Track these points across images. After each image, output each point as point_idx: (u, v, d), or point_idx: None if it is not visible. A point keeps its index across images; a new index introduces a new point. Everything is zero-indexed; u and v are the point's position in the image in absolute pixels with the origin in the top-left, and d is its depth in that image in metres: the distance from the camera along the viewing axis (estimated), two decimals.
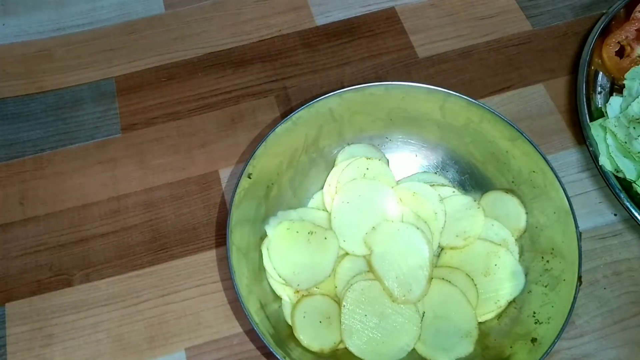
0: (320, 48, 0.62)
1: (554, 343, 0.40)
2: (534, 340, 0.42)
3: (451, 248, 0.48)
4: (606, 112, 0.52)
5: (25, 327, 0.48)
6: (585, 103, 0.53)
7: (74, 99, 0.59)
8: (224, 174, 0.55)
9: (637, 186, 0.48)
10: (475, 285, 0.46)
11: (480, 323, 0.45)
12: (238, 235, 0.45)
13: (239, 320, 0.48)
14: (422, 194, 0.49)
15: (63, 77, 0.61)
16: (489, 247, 0.47)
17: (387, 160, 0.52)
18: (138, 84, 0.60)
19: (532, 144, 0.46)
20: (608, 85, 0.55)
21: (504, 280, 0.46)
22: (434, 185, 0.50)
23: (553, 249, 0.46)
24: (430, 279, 0.46)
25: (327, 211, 0.50)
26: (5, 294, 0.50)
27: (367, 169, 0.50)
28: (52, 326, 0.48)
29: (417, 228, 0.47)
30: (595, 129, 0.51)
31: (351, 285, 0.46)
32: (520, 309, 0.45)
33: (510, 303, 0.46)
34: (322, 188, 0.51)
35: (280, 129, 0.47)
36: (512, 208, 0.49)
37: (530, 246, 0.48)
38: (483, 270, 0.47)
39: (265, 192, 0.49)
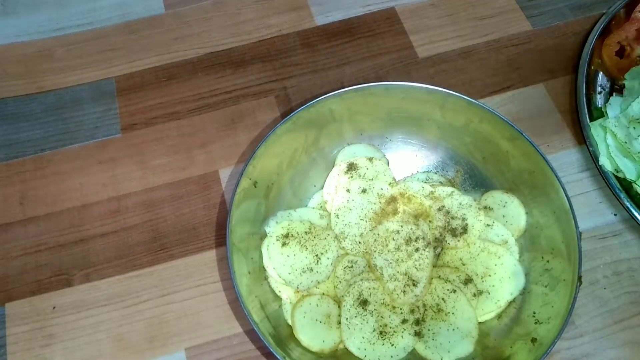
0: (320, 48, 0.62)
1: (554, 343, 0.40)
2: (534, 340, 0.42)
3: (451, 248, 0.48)
4: (606, 112, 0.52)
5: (25, 327, 0.48)
6: (585, 103, 0.53)
7: (74, 99, 0.59)
8: (224, 174, 0.55)
9: (637, 186, 0.48)
10: (475, 285, 0.46)
11: (480, 323, 0.45)
12: (238, 235, 0.45)
13: (239, 320, 0.48)
14: (421, 194, 0.49)
15: (63, 77, 0.61)
16: (489, 247, 0.47)
17: (387, 160, 0.52)
18: (138, 84, 0.60)
19: (532, 144, 0.46)
20: (608, 85, 0.55)
21: (504, 280, 0.46)
22: (434, 185, 0.50)
23: (553, 249, 0.46)
24: (430, 279, 0.46)
25: (327, 211, 0.50)
26: (5, 294, 0.50)
27: (367, 169, 0.50)
28: (52, 326, 0.48)
29: (417, 228, 0.47)
30: (595, 129, 0.51)
31: (351, 285, 0.46)
32: (520, 309, 0.45)
33: (510, 303, 0.46)
34: (322, 188, 0.51)
35: (280, 129, 0.47)
36: (512, 208, 0.49)
37: (530, 246, 0.48)
38: (483, 270, 0.47)
39: (265, 192, 0.49)
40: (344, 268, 0.47)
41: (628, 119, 0.49)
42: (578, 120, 0.53)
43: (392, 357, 0.44)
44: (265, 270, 0.47)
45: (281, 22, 0.63)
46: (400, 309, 0.45)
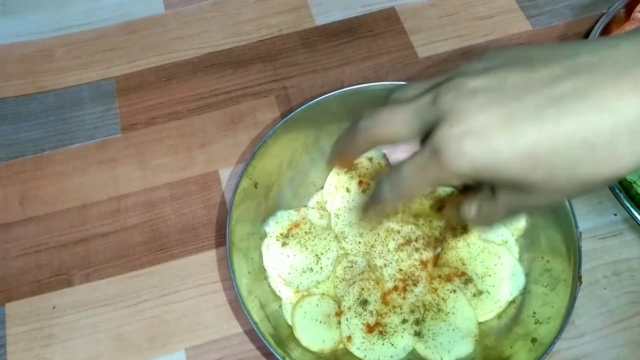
0: (320, 48, 0.62)
1: (554, 343, 0.40)
2: (534, 340, 0.42)
3: (451, 248, 0.48)
4: None
5: (25, 327, 0.48)
6: None
7: (74, 99, 0.59)
8: (224, 174, 0.55)
9: (637, 186, 0.48)
10: (475, 285, 0.46)
11: (480, 323, 0.45)
12: (238, 235, 0.45)
13: (239, 320, 0.48)
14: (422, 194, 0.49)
15: (63, 77, 0.61)
16: (489, 247, 0.47)
17: (388, 160, 0.52)
18: (138, 84, 0.60)
19: None
20: None
21: (504, 280, 0.46)
22: None
23: (553, 249, 0.46)
24: (431, 278, 0.46)
25: (327, 211, 0.50)
26: (5, 294, 0.50)
27: (367, 168, 0.50)
28: (52, 326, 0.48)
29: (417, 228, 0.47)
30: None
31: (351, 285, 0.46)
32: (520, 309, 0.45)
33: (510, 303, 0.46)
34: (322, 188, 0.51)
35: (280, 129, 0.47)
36: None
37: (530, 246, 0.48)
38: (483, 270, 0.47)
39: (265, 192, 0.49)
40: (344, 268, 0.47)
41: None
42: None
43: (392, 357, 0.44)
44: (265, 270, 0.47)
45: (281, 22, 0.63)
46: (400, 309, 0.45)
